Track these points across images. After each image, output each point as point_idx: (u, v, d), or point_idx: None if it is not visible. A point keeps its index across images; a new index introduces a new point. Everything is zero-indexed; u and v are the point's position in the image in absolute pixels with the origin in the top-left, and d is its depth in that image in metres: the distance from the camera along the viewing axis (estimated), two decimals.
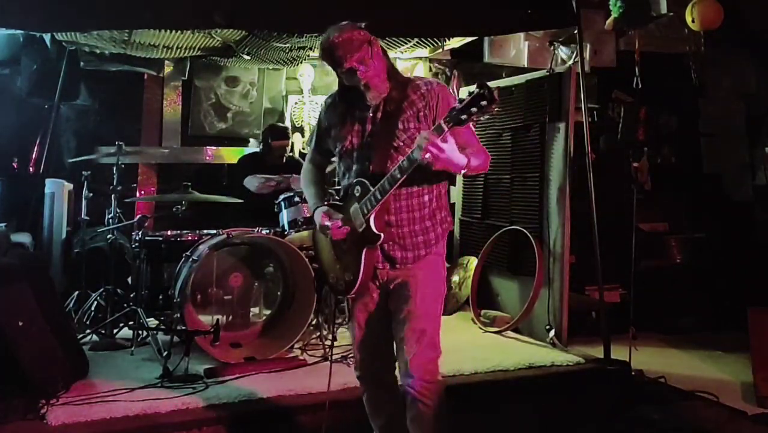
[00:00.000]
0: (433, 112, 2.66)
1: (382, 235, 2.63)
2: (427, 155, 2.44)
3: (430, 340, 2.71)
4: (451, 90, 6.39)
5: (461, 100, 2.44)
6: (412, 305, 2.69)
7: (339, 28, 2.62)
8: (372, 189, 2.61)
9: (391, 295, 2.75)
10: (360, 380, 2.95)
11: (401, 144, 2.65)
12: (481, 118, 2.48)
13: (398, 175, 2.54)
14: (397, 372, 2.84)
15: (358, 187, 2.68)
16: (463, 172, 2.62)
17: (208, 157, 6.00)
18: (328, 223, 2.72)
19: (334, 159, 2.97)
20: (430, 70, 6.42)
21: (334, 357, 4.29)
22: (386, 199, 2.61)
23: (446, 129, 2.44)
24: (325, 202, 2.86)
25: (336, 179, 3.08)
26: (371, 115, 2.73)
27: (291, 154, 5.68)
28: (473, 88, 2.42)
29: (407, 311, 2.69)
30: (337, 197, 2.94)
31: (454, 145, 2.49)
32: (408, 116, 2.68)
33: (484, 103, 2.37)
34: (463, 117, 2.42)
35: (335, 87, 2.87)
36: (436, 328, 2.74)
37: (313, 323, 4.48)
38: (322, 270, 2.93)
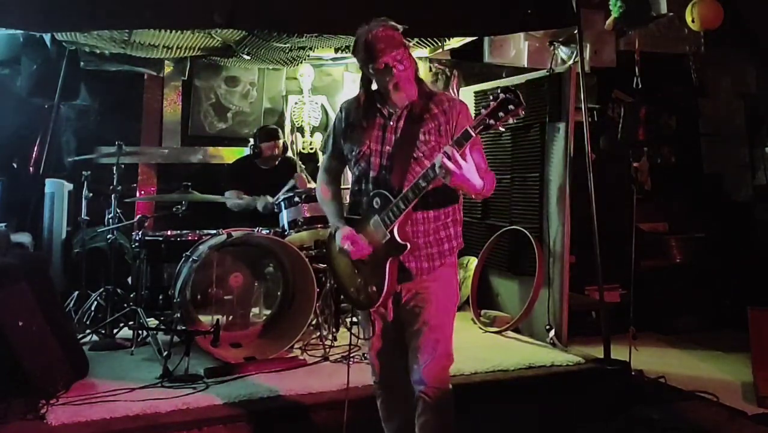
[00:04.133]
0: (452, 129, 2.66)
1: (408, 244, 2.62)
2: (444, 169, 2.44)
3: (444, 349, 2.73)
4: (450, 90, 6.40)
5: (486, 106, 2.46)
6: (427, 316, 2.71)
7: (381, 23, 2.65)
8: (394, 200, 2.60)
9: (405, 305, 2.76)
10: (376, 385, 2.98)
11: (420, 155, 2.64)
12: (508, 123, 2.46)
13: (423, 184, 2.53)
14: (410, 375, 2.83)
15: (377, 199, 2.67)
16: (473, 196, 2.60)
17: (208, 158, 6.00)
18: (347, 247, 2.67)
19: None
20: (430, 70, 6.42)
21: (333, 357, 4.30)
22: (409, 209, 2.60)
23: (474, 134, 2.45)
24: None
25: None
26: (393, 123, 2.72)
27: (288, 155, 5.66)
28: (497, 86, 2.42)
29: (422, 322, 2.71)
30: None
31: (473, 165, 2.50)
32: (429, 128, 2.68)
33: (512, 107, 2.41)
34: (491, 122, 2.44)
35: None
36: (449, 337, 2.76)
37: (313, 323, 4.48)
38: (341, 284, 2.90)
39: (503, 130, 2.56)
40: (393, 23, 2.67)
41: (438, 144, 2.64)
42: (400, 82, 2.65)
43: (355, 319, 4.11)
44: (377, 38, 2.60)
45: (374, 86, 2.76)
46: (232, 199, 5.10)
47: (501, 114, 2.43)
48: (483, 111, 2.47)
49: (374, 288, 2.68)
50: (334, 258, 2.86)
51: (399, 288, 2.73)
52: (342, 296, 3.36)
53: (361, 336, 3.35)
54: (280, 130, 5.52)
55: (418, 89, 2.73)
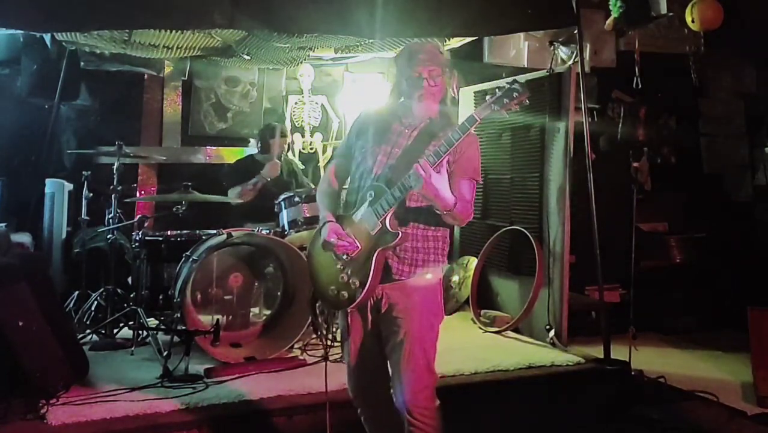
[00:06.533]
0: (457, 153, 2.63)
1: (400, 233, 2.60)
2: (418, 181, 2.46)
3: (426, 365, 2.68)
4: (451, 90, 6.39)
5: (493, 94, 2.54)
6: (409, 327, 2.66)
7: (431, 43, 2.85)
8: (389, 190, 2.60)
9: (386, 315, 2.71)
10: (356, 400, 2.91)
11: None
12: (512, 110, 2.55)
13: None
14: (391, 391, 2.79)
15: (371, 192, 2.67)
16: (445, 213, 2.58)
17: (208, 157, 6.00)
18: (333, 240, 2.65)
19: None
20: None
21: (333, 357, 4.29)
22: (404, 199, 2.59)
23: (479, 119, 2.53)
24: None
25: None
26: (408, 131, 2.76)
27: (291, 157, 5.68)
28: (501, 82, 2.49)
29: (404, 333, 2.66)
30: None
31: (445, 178, 2.53)
32: (441, 143, 2.67)
33: (516, 94, 2.50)
34: (496, 107, 2.53)
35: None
36: (432, 352, 2.71)
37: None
38: (319, 284, 2.83)
39: (504, 120, 2.62)
40: (442, 48, 2.77)
41: (446, 157, 2.64)
42: (426, 95, 2.70)
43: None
44: (422, 49, 2.75)
45: (401, 100, 2.81)
46: (234, 196, 5.10)
47: (506, 101, 2.52)
48: (488, 98, 2.54)
49: (357, 282, 2.64)
50: (317, 255, 2.82)
51: (380, 291, 2.69)
52: (319, 300, 3.29)
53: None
54: (288, 129, 5.57)
55: (440, 111, 2.78)
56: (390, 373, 2.77)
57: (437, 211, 2.61)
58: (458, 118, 2.84)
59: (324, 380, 2.96)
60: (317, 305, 4.37)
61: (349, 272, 2.67)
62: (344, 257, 2.69)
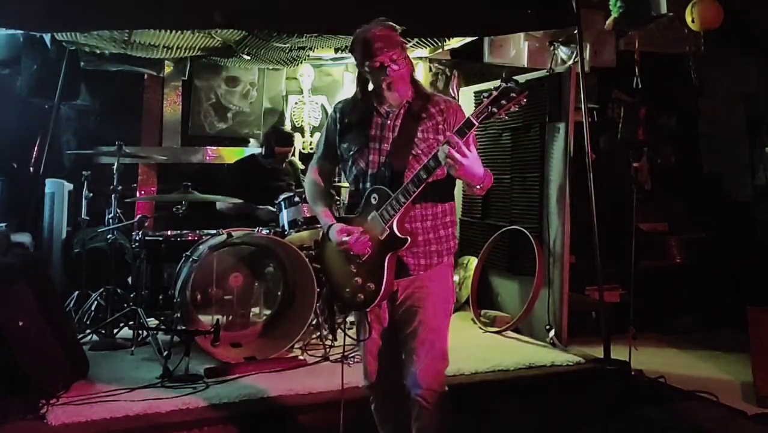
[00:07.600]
0: (450, 127, 2.65)
1: (408, 238, 2.60)
2: (449, 159, 2.43)
3: (440, 351, 2.72)
4: (451, 90, 6.41)
5: (488, 96, 2.46)
6: (423, 316, 2.69)
7: (380, 23, 2.67)
8: (392, 194, 2.59)
9: (402, 304, 2.74)
10: (369, 389, 2.94)
11: (419, 152, 2.64)
12: (511, 110, 2.47)
13: (424, 176, 2.53)
14: (404, 381, 2.82)
15: (375, 195, 2.65)
16: (478, 187, 2.58)
17: (208, 158, 6.00)
18: (346, 238, 2.65)
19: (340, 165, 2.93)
20: (430, 70, 6.43)
21: (333, 357, 4.29)
22: (409, 203, 2.59)
23: (476, 123, 2.46)
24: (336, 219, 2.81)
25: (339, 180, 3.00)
26: (390, 122, 2.72)
27: (292, 158, 5.69)
28: (498, 82, 2.45)
29: (418, 322, 2.69)
30: (339, 201, 2.92)
31: (476, 154, 2.51)
32: (428, 126, 2.69)
33: (513, 94, 2.41)
34: (493, 109, 2.44)
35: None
36: (445, 339, 2.75)
37: (313, 322, 4.48)
38: (333, 287, 2.83)
39: (504, 121, 2.58)
40: (392, 24, 2.69)
41: (436, 141, 2.64)
42: (394, 82, 2.65)
43: (351, 318, 4.09)
44: (375, 37, 2.62)
45: (370, 86, 2.77)
46: (224, 202, 5.11)
47: (503, 102, 2.43)
48: (485, 100, 2.47)
49: (372, 286, 2.65)
50: (329, 259, 2.83)
51: (396, 286, 2.70)
52: (334, 301, 3.26)
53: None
54: (293, 135, 5.59)
55: (414, 90, 2.73)
56: (403, 360, 2.79)
57: (468, 188, 2.60)
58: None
59: (325, 379, 2.98)
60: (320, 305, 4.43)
61: (362, 276, 2.68)
62: (357, 260, 2.68)
